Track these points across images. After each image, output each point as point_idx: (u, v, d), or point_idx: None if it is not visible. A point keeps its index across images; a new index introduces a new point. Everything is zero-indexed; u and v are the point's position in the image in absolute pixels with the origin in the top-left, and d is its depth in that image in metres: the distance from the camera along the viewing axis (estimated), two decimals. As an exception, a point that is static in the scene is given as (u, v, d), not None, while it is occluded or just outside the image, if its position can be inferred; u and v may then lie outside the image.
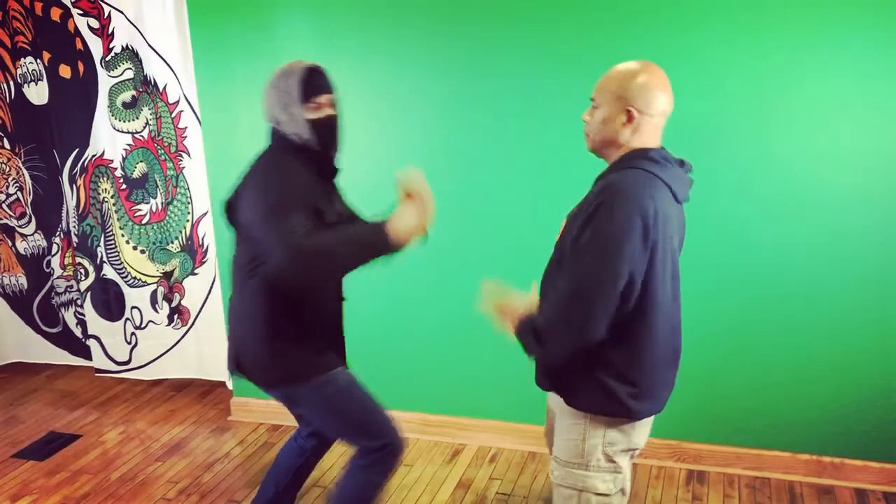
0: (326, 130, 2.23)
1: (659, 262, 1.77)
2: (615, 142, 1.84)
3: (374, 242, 2.03)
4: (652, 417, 1.95)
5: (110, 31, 3.71)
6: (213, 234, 3.68)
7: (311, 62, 2.21)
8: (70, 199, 4.10)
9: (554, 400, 2.08)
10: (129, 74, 3.75)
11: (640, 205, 1.71)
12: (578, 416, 1.90)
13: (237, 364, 2.34)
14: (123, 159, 3.88)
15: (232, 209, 2.27)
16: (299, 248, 1.95)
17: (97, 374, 4.30)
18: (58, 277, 4.41)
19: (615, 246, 1.69)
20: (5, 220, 4.38)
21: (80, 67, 3.86)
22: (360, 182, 3.35)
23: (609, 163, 1.89)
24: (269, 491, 2.65)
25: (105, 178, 3.96)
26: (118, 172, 3.91)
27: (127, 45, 3.70)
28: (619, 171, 1.82)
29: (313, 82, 2.18)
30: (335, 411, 2.34)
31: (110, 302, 4.13)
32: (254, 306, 2.22)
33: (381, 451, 2.36)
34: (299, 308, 2.23)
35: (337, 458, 3.40)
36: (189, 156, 3.75)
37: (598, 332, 1.74)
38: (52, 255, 4.38)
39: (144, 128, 3.80)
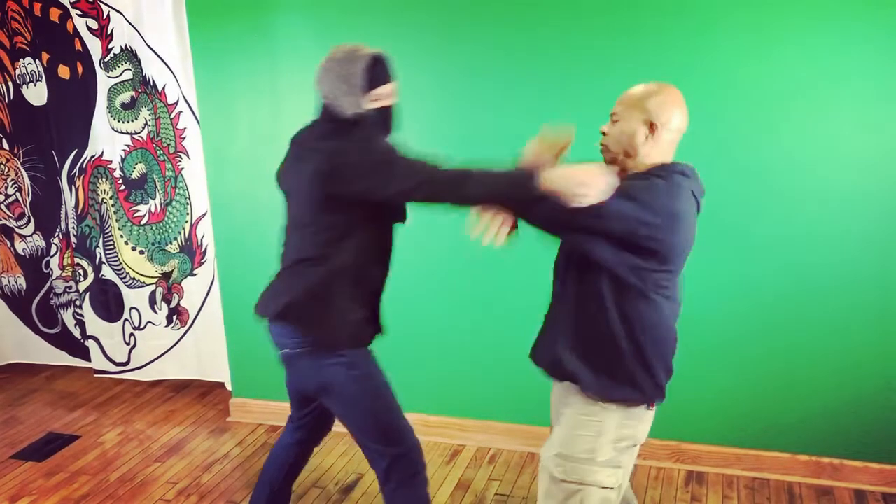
0: (383, 119, 2.21)
1: (683, 257, 1.93)
2: (634, 154, 1.92)
3: (517, 180, 1.93)
4: (654, 412, 2.00)
5: (109, 32, 3.71)
6: (212, 234, 3.67)
7: (377, 49, 2.16)
8: (69, 200, 4.10)
9: (558, 396, 2.11)
10: (128, 75, 3.74)
11: (687, 196, 1.88)
12: (593, 412, 1.94)
13: (281, 314, 2.26)
14: (122, 160, 3.88)
15: (289, 175, 2.25)
16: (434, 172, 1.99)
17: (96, 375, 4.30)
18: (57, 278, 4.41)
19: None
20: (4, 221, 4.37)
21: (79, 68, 3.86)
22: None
23: (626, 174, 1.94)
24: (264, 491, 2.64)
25: (104, 179, 3.95)
26: (117, 173, 3.91)
27: (126, 46, 3.70)
28: (648, 174, 1.90)
29: (377, 73, 2.15)
30: (359, 398, 2.27)
31: (109, 303, 4.13)
32: (317, 269, 2.19)
33: (400, 461, 2.29)
34: (359, 276, 2.22)
35: (336, 458, 3.41)
36: (188, 156, 3.74)
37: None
38: (51, 256, 4.38)
39: (143, 128, 3.80)
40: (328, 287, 2.19)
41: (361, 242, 2.17)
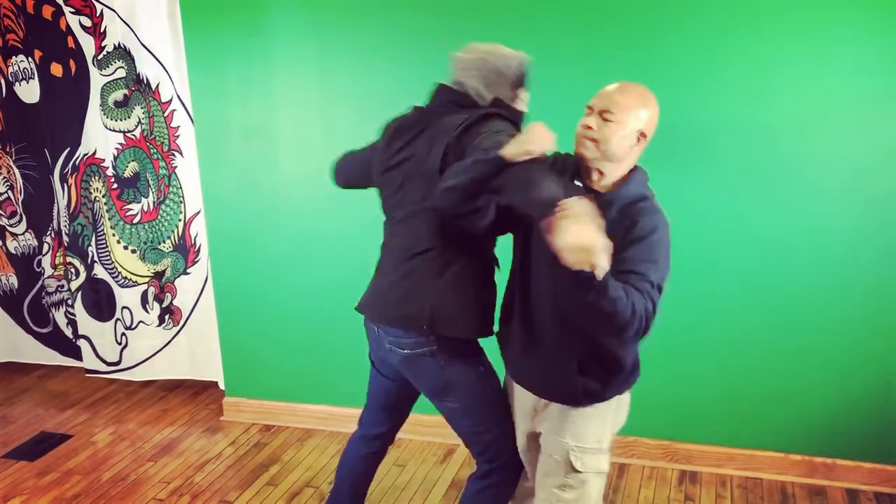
0: (516, 119, 2.21)
1: None
2: (619, 160, 1.92)
3: (482, 160, 1.94)
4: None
5: (102, 30, 3.69)
6: (206, 233, 3.66)
7: (525, 56, 2.20)
8: (61, 199, 4.08)
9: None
10: (122, 73, 3.73)
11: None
12: (601, 404, 2.04)
13: (409, 317, 2.14)
14: (115, 158, 3.86)
15: (410, 162, 2.19)
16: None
17: (87, 375, 4.28)
18: (48, 277, 4.39)
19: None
20: (-4, 220, 4.36)
21: (72, 66, 3.84)
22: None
23: (600, 174, 1.93)
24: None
25: (96, 178, 3.94)
26: (110, 171, 3.89)
27: (119, 44, 3.68)
28: (639, 202, 1.90)
29: (528, 75, 2.21)
30: (480, 393, 2.22)
31: (101, 302, 4.11)
32: (447, 259, 2.13)
33: (504, 468, 2.26)
34: (487, 266, 2.20)
35: (330, 457, 3.40)
36: (181, 155, 3.73)
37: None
38: (43, 255, 4.36)
39: (136, 127, 3.78)
40: (461, 279, 2.12)
41: (490, 231, 2.09)
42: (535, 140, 1.90)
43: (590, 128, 1.89)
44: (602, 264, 1.61)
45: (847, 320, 2.88)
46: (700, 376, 3.07)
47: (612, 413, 2.06)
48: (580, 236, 1.61)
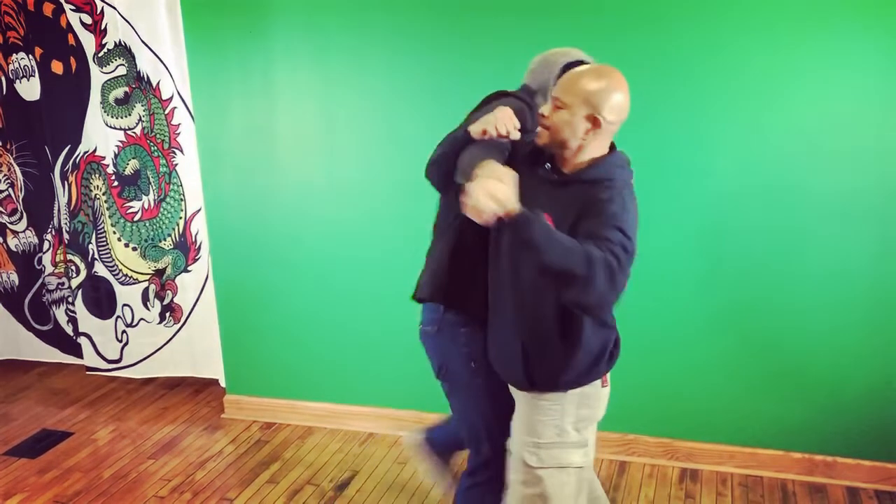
0: None
1: None
2: (574, 147, 1.90)
3: (453, 134, 2.08)
4: (609, 388, 2.08)
5: (103, 27, 3.69)
6: (207, 231, 3.66)
7: (583, 55, 2.20)
8: (62, 196, 4.07)
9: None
10: (122, 70, 3.73)
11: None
12: (552, 397, 1.99)
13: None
14: (116, 156, 3.86)
15: None
16: None
17: (88, 373, 4.28)
18: (49, 275, 4.39)
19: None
20: (-4, 217, 4.36)
21: (73, 63, 3.84)
22: (353, 180, 3.35)
23: (565, 160, 1.93)
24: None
25: (97, 175, 3.94)
26: (110, 169, 3.89)
27: (120, 42, 3.68)
28: (602, 182, 1.87)
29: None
30: (468, 383, 2.26)
31: (101, 299, 4.11)
32: None
33: (490, 464, 2.26)
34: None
35: (330, 455, 3.40)
36: (182, 152, 3.73)
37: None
38: (44, 252, 4.36)
39: (137, 124, 3.78)
40: (464, 256, 2.18)
41: None
42: (496, 121, 1.93)
43: (543, 116, 1.92)
44: (510, 206, 1.65)
45: (850, 319, 2.87)
46: (700, 374, 3.07)
47: (572, 406, 2.00)
48: (485, 188, 1.66)
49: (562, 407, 1.99)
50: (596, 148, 1.91)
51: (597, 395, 2.04)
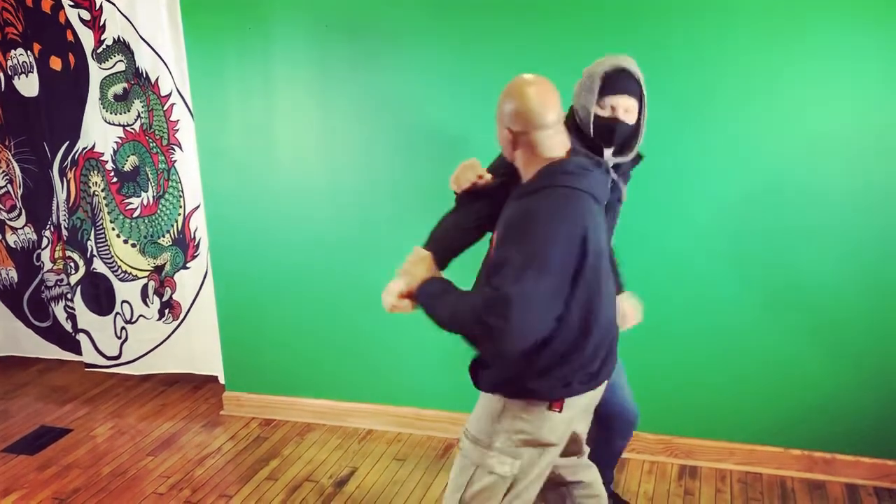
0: (606, 130, 2.22)
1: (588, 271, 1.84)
2: (514, 161, 1.96)
3: None
4: (565, 416, 1.95)
5: (102, 23, 3.68)
6: (206, 227, 3.66)
7: (625, 62, 2.21)
8: (60, 193, 4.07)
9: None
10: (121, 67, 3.72)
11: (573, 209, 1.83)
12: (494, 398, 1.98)
13: None
14: (114, 152, 3.85)
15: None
16: None
17: (87, 370, 4.27)
18: (48, 271, 4.38)
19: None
20: (-5, 214, 4.35)
21: (72, 59, 3.83)
22: (352, 177, 3.35)
23: (525, 175, 1.95)
24: None
25: (96, 172, 3.93)
26: (109, 165, 3.88)
27: (119, 38, 3.67)
28: (536, 192, 1.86)
29: (613, 82, 2.19)
30: None
31: (100, 296, 4.10)
32: None
33: None
34: None
35: (329, 452, 3.40)
36: (181, 149, 3.72)
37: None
38: (43, 249, 4.35)
39: (136, 121, 3.77)
40: None
41: None
42: (454, 179, 2.12)
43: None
44: (390, 303, 2.04)
45: (849, 316, 2.87)
46: (700, 371, 3.07)
47: (509, 416, 1.94)
48: (386, 290, 2.05)
49: (497, 410, 1.96)
50: (533, 160, 1.90)
51: (540, 415, 1.92)
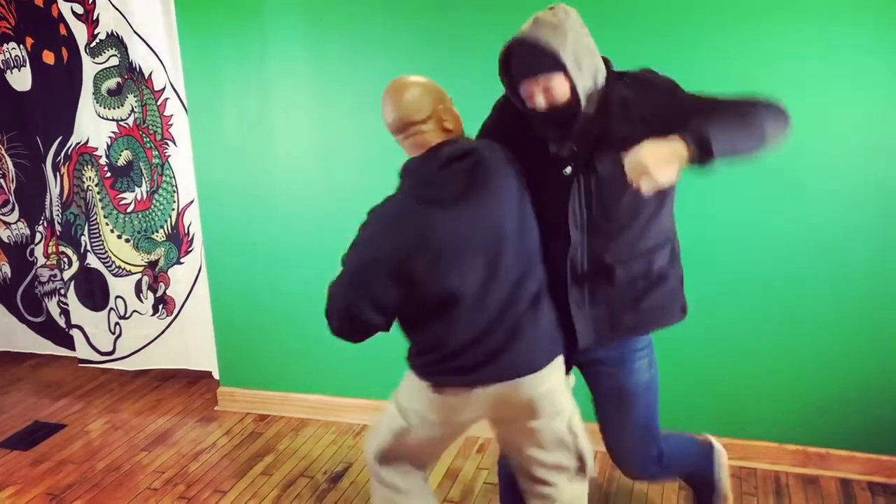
0: (542, 125, 1.98)
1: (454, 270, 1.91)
2: None
3: None
4: (455, 403, 2.05)
5: (95, 17, 3.66)
6: (199, 222, 3.65)
7: (528, 31, 1.98)
8: (53, 188, 4.05)
9: None
10: (115, 61, 3.70)
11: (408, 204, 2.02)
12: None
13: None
14: (108, 147, 3.84)
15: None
16: None
17: (80, 365, 4.26)
18: (41, 266, 4.37)
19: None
20: (-12, 208, 4.34)
21: (64, 54, 3.81)
22: (348, 172, 3.34)
23: None
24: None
25: (89, 166, 3.91)
26: (103, 160, 3.87)
27: (112, 32, 3.66)
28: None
29: (516, 65, 1.98)
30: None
31: (94, 291, 4.09)
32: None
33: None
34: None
35: (324, 447, 3.40)
36: (175, 144, 3.71)
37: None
38: (36, 244, 4.34)
39: (130, 115, 3.76)
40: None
41: None
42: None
43: None
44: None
45: (843, 311, 2.87)
46: (693, 367, 3.07)
47: (405, 384, 2.15)
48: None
49: (408, 378, 2.14)
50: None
51: (419, 389, 2.07)
